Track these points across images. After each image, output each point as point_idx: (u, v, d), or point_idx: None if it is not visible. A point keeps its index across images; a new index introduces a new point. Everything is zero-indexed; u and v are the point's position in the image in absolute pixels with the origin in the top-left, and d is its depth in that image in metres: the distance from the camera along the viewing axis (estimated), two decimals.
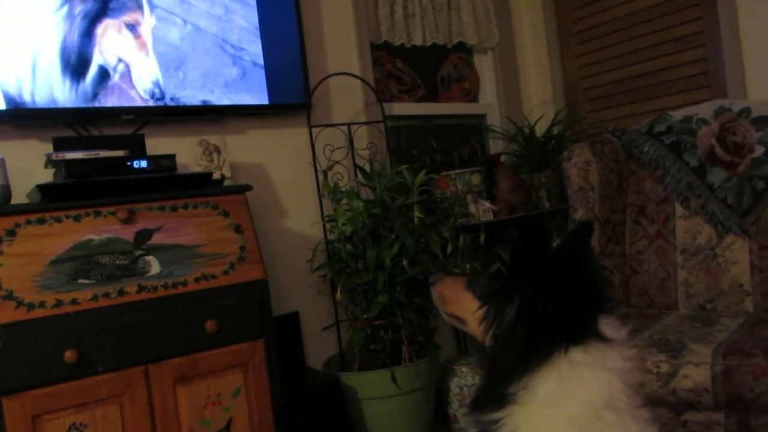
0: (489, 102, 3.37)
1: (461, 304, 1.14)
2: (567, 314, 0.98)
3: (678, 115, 2.30)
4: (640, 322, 1.96)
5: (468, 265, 2.41)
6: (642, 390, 1.60)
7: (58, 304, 1.60)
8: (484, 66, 3.38)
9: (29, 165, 1.93)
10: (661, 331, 1.80)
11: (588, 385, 0.94)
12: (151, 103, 2.12)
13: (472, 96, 3.35)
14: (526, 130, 3.17)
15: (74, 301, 1.62)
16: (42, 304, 1.58)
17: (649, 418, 0.98)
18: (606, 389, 0.94)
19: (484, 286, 1.09)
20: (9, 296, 1.55)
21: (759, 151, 2.08)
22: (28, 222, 1.65)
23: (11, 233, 1.62)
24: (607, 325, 1.00)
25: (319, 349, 2.51)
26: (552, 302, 0.97)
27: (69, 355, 1.56)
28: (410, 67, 3.12)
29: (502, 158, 3.15)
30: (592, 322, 0.99)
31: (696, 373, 1.56)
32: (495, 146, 3.36)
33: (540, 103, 3.37)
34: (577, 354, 0.95)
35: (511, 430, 0.96)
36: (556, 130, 3.16)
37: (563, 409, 0.94)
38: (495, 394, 0.99)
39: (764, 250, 2.02)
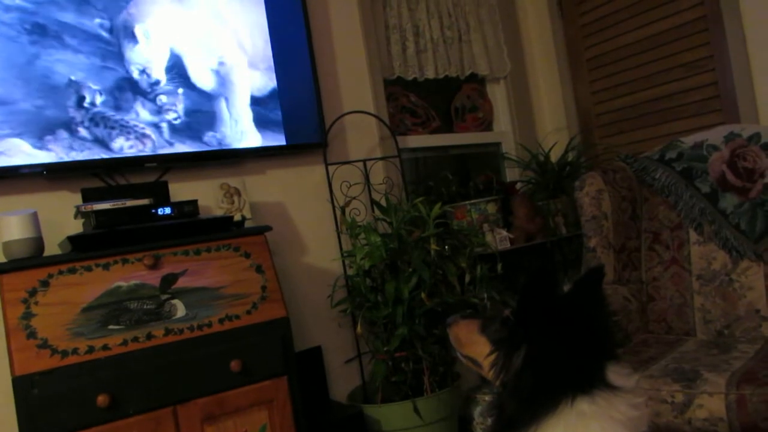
0: (503, 130, 3.43)
1: (475, 348, 1.17)
2: (574, 363, 0.99)
3: (688, 141, 2.32)
4: (658, 350, 1.97)
5: (486, 295, 2.44)
6: (658, 419, 1.62)
7: (90, 350, 1.68)
8: (498, 95, 3.44)
9: (61, 216, 2.02)
10: (677, 359, 1.82)
11: None
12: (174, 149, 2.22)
13: (487, 125, 3.41)
14: (541, 157, 3.21)
15: (105, 347, 1.70)
16: (75, 351, 1.66)
17: None
18: None
19: (496, 331, 1.11)
20: (44, 345, 1.64)
21: None
22: (60, 272, 1.73)
23: (45, 284, 1.70)
24: (616, 374, 1.00)
25: (342, 381, 2.56)
26: (558, 352, 0.99)
27: (101, 399, 1.63)
28: (424, 99, 3.19)
29: (518, 186, 3.19)
30: (600, 370, 1.00)
31: (710, 402, 1.58)
32: (511, 174, 3.40)
33: (554, 130, 3.42)
34: (583, 405, 0.96)
35: None
36: (570, 157, 3.19)
37: None
38: None
39: None
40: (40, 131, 1.99)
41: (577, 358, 1.00)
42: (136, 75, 2.15)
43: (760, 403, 1.51)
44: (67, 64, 2.04)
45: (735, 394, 1.55)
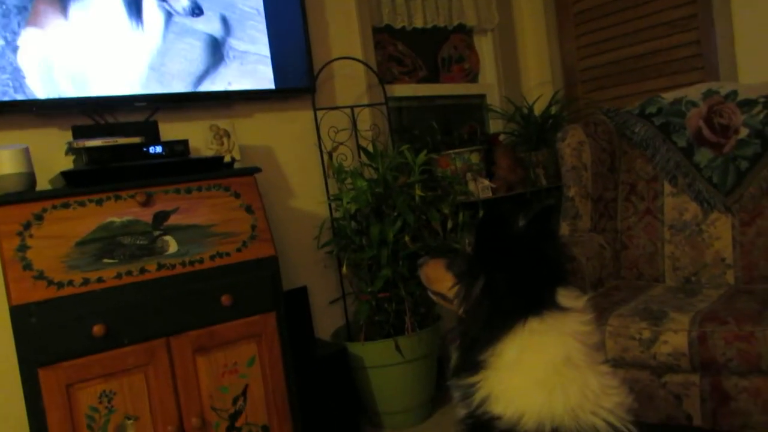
0: (489, 82, 3.46)
1: (443, 284, 1.26)
2: (526, 289, 1.10)
3: (668, 97, 2.39)
4: (628, 293, 2.08)
5: (467, 240, 2.52)
6: (626, 354, 1.74)
7: (85, 282, 1.73)
8: (484, 47, 3.46)
9: (50, 153, 2.04)
10: (646, 302, 1.93)
11: (546, 348, 1.07)
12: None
13: (472, 77, 3.44)
14: (525, 110, 3.26)
15: (100, 280, 1.75)
16: (70, 283, 1.71)
17: (610, 372, 1.10)
18: (563, 349, 1.07)
19: (459, 266, 1.21)
20: (40, 276, 1.69)
21: (744, 132, 2.18)
22: (54, 207, 1.77)
23: (39, 217, 1.74)
24: (565, 297, 1.11)
25: (327, 321, 2.65)
26: (512, 280, 1.10)
27: (97, 329, 1.69)
28: (411, 48, 3.21)
29: (501, 137, 3.25)
30: (551, 295, 1.11)
31: (675, 339, 1.69)
32: (494, 126, 3.45)
33: (538, 84, 3.46)
34: (534, 323, 1.08)
35: (486, 393, 1.09)
36: (553, 110, 3.25)
37: (528, 372, 1.07)
38: (469, 361, 1.12)
39: (746, 226, 2.13)
40: None
41: (529, 284, 1.11)
42: None
43: (719, 339, 1.62)
44: None
45: (697, 332, 1.66)
